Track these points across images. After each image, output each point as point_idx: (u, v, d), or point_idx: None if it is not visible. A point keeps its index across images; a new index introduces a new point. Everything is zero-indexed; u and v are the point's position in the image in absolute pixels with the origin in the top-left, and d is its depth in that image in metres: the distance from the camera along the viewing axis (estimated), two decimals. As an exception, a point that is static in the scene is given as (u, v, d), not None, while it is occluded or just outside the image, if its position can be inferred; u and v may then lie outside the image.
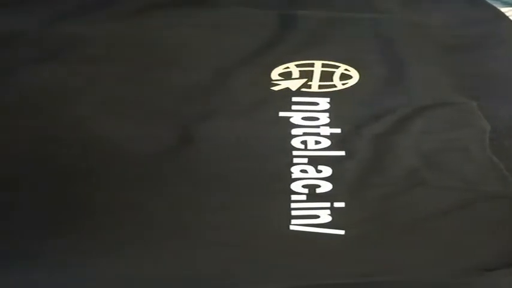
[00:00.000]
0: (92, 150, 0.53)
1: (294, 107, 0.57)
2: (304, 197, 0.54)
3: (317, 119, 0.57)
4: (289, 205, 0.54)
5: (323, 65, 0.58)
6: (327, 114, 0.57)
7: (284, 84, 0.57)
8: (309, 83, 0.58)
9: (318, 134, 0.57)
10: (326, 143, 0.56)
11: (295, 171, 0.55)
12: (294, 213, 0.54)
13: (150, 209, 0.52)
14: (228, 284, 0.53)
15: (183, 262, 0.52)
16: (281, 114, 0.56)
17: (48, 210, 0.51)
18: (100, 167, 0.52)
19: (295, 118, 0.57)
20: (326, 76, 0.58)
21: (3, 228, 0.51)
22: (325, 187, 0.55)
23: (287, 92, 0.57)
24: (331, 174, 0.55)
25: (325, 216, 0.54)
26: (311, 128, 0.57)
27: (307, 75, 0.58)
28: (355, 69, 0.58)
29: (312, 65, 0.58)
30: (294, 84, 0.57)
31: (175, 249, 0.53)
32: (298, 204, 0.54)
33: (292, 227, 0.54)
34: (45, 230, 0.51)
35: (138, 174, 0.53)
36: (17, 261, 0.51)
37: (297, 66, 0.58)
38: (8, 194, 0.52)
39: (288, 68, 0.57)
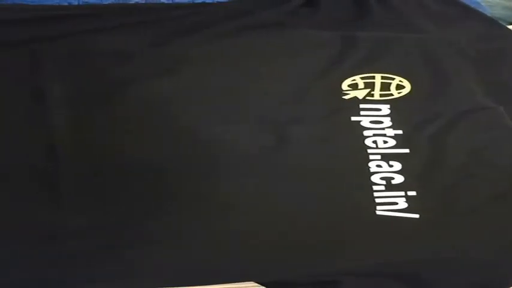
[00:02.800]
0: (205, 152, 0.60)
1: (362, 113, 0.66)
2: (383, 187, 0.63)
3: (382, 122, 0.66)
4: (373, 194, 0.62)
5: (382, 77, 0.68)
6: (389, 118, 0.67)
7: (352, 94, 0.66)
8: (372, 92, 0.67)
9: (384, 135, 0.66)
10: (392, 142, 0.65)
11: (372, 166, 0.63)
12: (377, 200, 0.62)
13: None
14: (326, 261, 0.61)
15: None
16: (353, 118, 0.65)
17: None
18: (219, 167, 0.60)
19: (364, 122, 0.65)
20: (385, 86, 0.68)
21: None
22: (398, 179, 0.64)
23: (355, 100, 0.66)
24: (401, 168, 0.64)
25: (402, 203, 0.63)
26: (378, 130, 0.66)
27: (370, 86, 0.67)
28: (407, 80, 0.69)
29: (373, 77, 0.68)
30: (360, 94, 0.67)
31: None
32: (379, 194, 0.62)
33: (378, 212, 0.62)
34: None
35: (245, 171, 0.59)
36: None
37: (362, 78, 0.67)
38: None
39: (354, 80, 0.67)
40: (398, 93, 0.68)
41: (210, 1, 0.70)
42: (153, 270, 0.61)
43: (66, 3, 0.69)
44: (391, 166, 0.64)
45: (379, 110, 0.67)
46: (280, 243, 0.61)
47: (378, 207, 0.62)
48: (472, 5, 0.78)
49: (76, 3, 0.69)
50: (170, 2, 0.71)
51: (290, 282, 0.67)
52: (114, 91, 0.61)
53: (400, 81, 0.68)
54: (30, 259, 0.59)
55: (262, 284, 0.69)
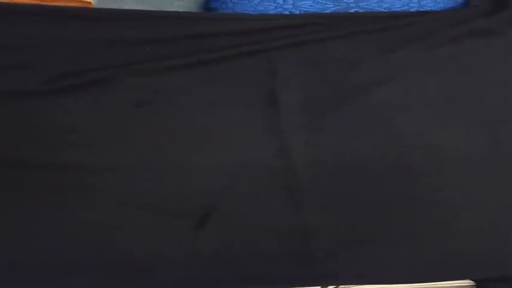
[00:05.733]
0: (430, 155, 0.64)
1: None
2: None
3: None
4: None
5: None
6: None
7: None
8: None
9: None
10: None
11: None
12: None
13: None
14: None
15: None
16: None
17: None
18: (446, 170, 0.64)
19: None
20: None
21: None
22: None
23: None
24: None
25: None
26: None
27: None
28: None
29: None
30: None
31: None
32: None
33: None
34: None
35: (467, 173, 0.65)
36: None
37: None
38: None
39: None
40: None
41: (424, 10, 0.72)
42: (387, 268, 0.64)
43: (287, 12, 0.73)
44: None
45: None
46: None
47: None
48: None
49: (297, 12, 0.73)
50: (386, 10, 0.73)
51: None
52: (345, 97, 0.65)
53: None
54: (262, 254, 0.64)
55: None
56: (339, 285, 0.69)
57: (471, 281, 0.73)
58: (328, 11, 0.72)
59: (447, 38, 0.68)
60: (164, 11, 0.72)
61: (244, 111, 0.64)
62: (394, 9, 0.73)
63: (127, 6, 0.74)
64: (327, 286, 0.69)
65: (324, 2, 0.73)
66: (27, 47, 0.63)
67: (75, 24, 0.65)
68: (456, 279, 0.72)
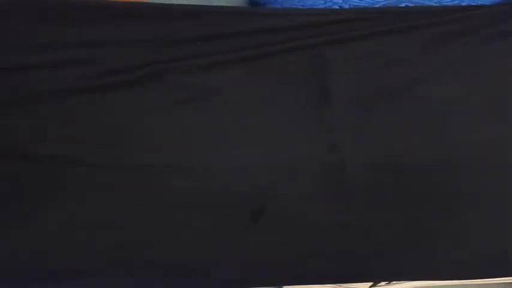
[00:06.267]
0: (484, 152, 0.64)
1: None
2: None
3: None
4: None
5: None
6: None
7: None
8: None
9: None
10: None
11: None
12: None
13: None
14: None
15: None
16: None
17: None
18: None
19: None
20: None
21: None
22: None
23: None
24: None
25: None
26: None
27: None
28: None
29: None
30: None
31: None
32: None
33: None
34: None
35: None
36: None
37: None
38: None
39: None
40: None
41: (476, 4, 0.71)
42: (443, 264, 0.63)
43: (337, 7, 0.73)
44: None
45: None
46: None
47: None
48: None
49: (347, 6, 0.72)
50: (437, 4, 0.72)
51: None
52: (396, 93, 0.64)
53: None
54: (313, 251, 0.64)
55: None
56: (391, 281, 0.69)
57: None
58: (378, 5, 0.72)
59: (497, 33, 0.67)
60: (214, 6, 0.72)
61: (294, 108, 0.64)
62: (445, 4, 0.72)
63: (175, 1, 0.74)
64: (379, 282, 0.69)
65: (374, -4, 0.72)
66: (78, 44, 0.63)
67: (125, 20, 0.65)
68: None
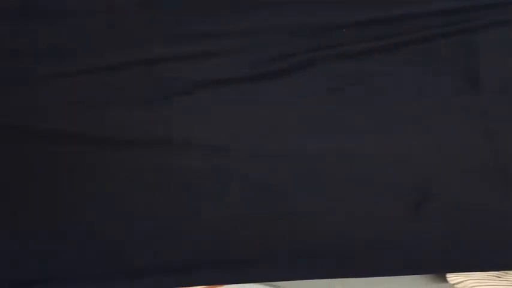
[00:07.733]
0: None
1: None
2: None
3: None
4: None
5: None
6: None
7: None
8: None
9: None
10: None
11: None
12: None
13: None
14: None
15: None
16: None
17: None
18: None
19: None
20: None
21: None
22: None
23: None
24: None
25: None
26: None
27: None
28: None
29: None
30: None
31: None
32: None
33: None
34: None
35: None
36: None
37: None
38: None
39: None
40: None
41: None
42: None
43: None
44: None
45: None
46: None
47: None
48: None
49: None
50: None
51: None
52: None
53: None
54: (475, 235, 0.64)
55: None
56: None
57: None
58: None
59: None
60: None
61: (442, 94, 0.64)
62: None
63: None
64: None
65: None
66: (231, 33, 0.64)
67: (279, 6, 0.65)
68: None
